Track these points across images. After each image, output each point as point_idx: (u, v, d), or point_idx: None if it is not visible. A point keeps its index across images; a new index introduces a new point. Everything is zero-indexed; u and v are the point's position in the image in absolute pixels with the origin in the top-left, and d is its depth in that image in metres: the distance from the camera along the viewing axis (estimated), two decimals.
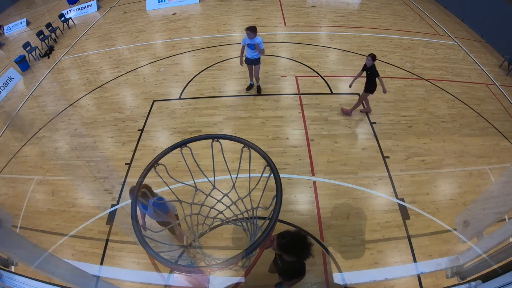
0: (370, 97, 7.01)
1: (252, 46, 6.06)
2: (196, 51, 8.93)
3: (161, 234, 3.56)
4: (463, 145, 5.98)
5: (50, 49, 10.42)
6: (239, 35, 9.59)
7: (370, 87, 5.83)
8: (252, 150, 2.74)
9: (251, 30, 5.86)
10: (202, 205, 3.11)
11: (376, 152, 5.76)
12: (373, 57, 5.44)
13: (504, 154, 5.89)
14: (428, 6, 11.73)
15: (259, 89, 7.11)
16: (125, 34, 10.53)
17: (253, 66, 6.58)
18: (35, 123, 7.27)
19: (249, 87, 7.23)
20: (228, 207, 3.26)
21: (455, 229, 4.57)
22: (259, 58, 6.38)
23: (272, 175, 2.58)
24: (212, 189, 3.17)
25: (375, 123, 6.31)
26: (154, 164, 2.66)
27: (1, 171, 6.25)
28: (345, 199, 4.99)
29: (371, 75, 5.64)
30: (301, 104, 6.77)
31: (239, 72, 7.87)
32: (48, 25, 11.17)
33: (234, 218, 3.49)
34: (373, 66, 5.55)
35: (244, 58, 6.44)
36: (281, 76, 7.63)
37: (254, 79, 6.98)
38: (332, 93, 7.11)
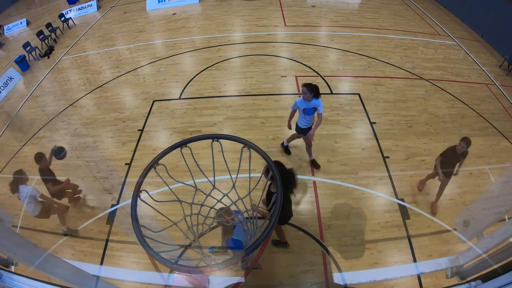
0: (369, 97, 7.03)
1: (310, 111, 4.44)
2: (196, 51, 8.93)
3: (161, 234, 3.54)
4: None
5: (50, 49, 10.42)
6: (239, 35, 9.59)
7: (452, 172, 4.57)
8: (252, 150, 2.74)
9: (310, 88, 4.16)
10: (202, 205, 3.11)
11: (376, 152, 5.76)
12: (468, 142, 4.19)
13: (504, 154, 5.89)
14: (428, 6, 11.74)
15: (315, 164, 5.44)
16: (125, 34, 10.53)
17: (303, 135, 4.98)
18: (35, 123, 7.26)
19: (287, 150, 5.65)
20: (228, 207, 3.26)
21: (455, 229, 4.57)
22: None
23: (272, 175, 2.58)
24: (212, 189, 3.17)
25: (375, 123, 6.31)
26: (154, 164, 2.66)
27: (1, 171, 6.25)
28: (345, 199, 4.99)
29: (459, 161, 4.43)
30: None
31: (239, 72, 7.87)
32: (48, 25, 11.17)
33: None
34: (466, 153, 4.33)
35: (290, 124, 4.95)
36: (281, 76, 7.63)
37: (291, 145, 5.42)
38: (332, 93, 7.11)
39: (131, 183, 5.45)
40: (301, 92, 4.13)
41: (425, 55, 8.57)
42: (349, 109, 6.65)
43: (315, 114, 4.53)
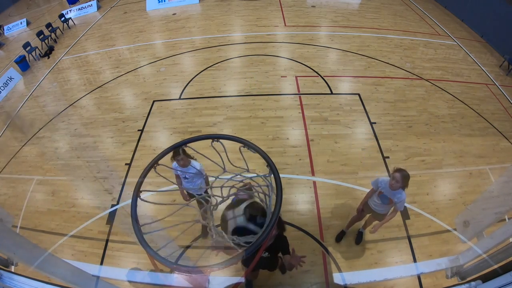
0: (370, 97, 7.03)
1: (385, 200, 3.49)
2: (196, 51, 8.93)
3: (161, 234, 3.53)
4: (463, 145, 5.97)
5: (50, 49, 10.42)
6: (239, 35, 9.59)
7: None
8: (252, 150, 2.74)
9: (403, 180, 3.16)
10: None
11: (376, 152, 5.76)
12: None
13: (504, 154, 5.89)
14: (428, 6, 11.73)
15: (359, 238, 4.47)
16: (125, 34, 10.52)
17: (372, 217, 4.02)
18: (35, 123, 7.26)
19: (341, 236, 4.51)
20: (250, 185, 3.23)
21: (455, 229, 4.57)
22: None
23: (272, 175, 2.58)
24: (212, 189, 3.16)
25: (375, 123, 6.31)
26: (154, 164, 2.66)
27: (1, 171, 6.25)
28: (345, 199, 4.99)
29: None
30: (301, 104, 6.77)
31: (239, 72, 7.87)
32: (48, 25, 11.17)
33: None
34: None
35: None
36: (281, 76, 7.63)
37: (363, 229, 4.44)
38: (332, 93, 7.11)
39: (131, 183, 5.45)
40: (392, 178, 3.27)
41: (425, 55, 8.57)
42: (349, 109, 6.65)
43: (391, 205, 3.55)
